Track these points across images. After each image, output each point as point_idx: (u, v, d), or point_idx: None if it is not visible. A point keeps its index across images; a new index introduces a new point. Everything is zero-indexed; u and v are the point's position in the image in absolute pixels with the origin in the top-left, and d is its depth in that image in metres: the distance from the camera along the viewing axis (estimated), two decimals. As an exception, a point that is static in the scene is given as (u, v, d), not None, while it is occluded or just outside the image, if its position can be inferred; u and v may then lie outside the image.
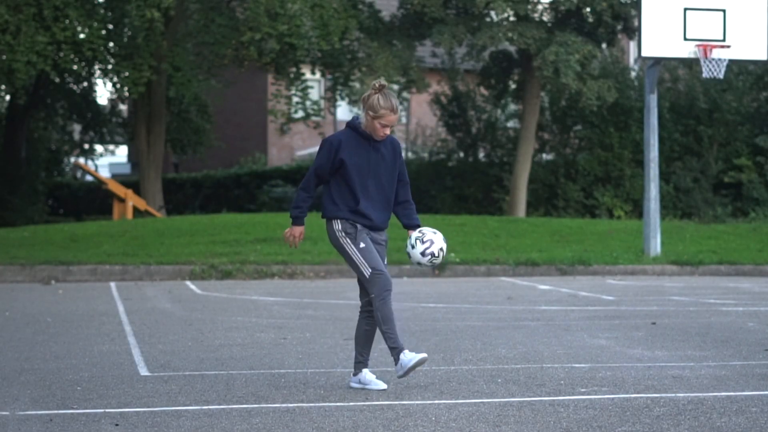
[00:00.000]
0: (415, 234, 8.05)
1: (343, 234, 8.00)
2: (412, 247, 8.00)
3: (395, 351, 8.00)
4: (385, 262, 8.12)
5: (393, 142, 8.14)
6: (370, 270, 7.94)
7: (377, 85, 7.94)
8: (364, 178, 7.98)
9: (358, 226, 7.98)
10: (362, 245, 7.96)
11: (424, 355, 7.99)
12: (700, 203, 30.34)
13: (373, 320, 8.04)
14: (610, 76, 30.17)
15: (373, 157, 8.01)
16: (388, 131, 7.99)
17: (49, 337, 11.27)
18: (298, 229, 8.06)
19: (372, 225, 8.03)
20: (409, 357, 7.95)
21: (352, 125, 8.04)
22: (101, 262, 19.17)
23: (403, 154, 37.22)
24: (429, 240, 7.99)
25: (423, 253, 7.98)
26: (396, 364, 8.03)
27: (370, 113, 7.92)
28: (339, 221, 8.01)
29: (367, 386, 8.06)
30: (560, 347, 10.27)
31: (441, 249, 8.00)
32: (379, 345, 8.59)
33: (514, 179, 30.25)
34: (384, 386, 8.06)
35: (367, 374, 8.12)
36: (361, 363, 8.14)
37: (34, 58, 25.89)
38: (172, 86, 29.21)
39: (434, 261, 8.02)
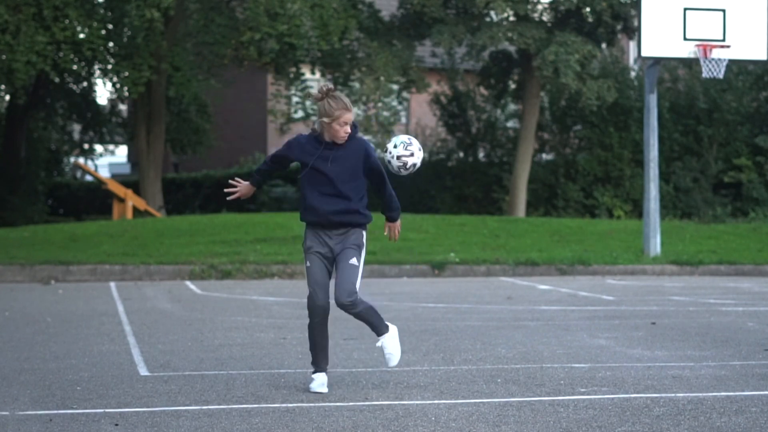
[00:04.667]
0: (402, 139, 8.09)
1: (304, 246, 8.10)
2: (395, 146, 8.05)
3: (312, 368, 8.10)
4: (352, 262, 7.99)
5: (358, 143, 8.05)
6: (309, 289, 8.04)
7: (324, 89, 7.95)
8: (316, 179, 7.97)
9: (310, 242, 8.00)
10: (307, 264, 8.05)
11: (324, 391, 7.97)
12: (699, 203, 30.35)
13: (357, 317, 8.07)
14: (610, 76, 30.19)
15: (325, 158, 7.96)
16: (348, 129, 7.95)
17: (49, 337, 11.26)
18: (244, 183, 8.47)
19: (317, 221, 8.00)
20: (315, 384, 8.01)
21: (312, 129, 8.13)
22: (101, 262, 19.17)
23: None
24: (411, 152, 8.05)
25: (399, 157, 8.02)
26: (312, 377, 8.12)
27: (326, 119, 7.91)
28: (304, 230, 8.12)
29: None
30: (560, 347, 10.27)
31: (414, 164, 8.08)
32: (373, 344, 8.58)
33: (514, 179, 30.26)
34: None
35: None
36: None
37: (34, 58, 25.89)
38: (172, 86, 29.21)
39: (402, 166, 8.06)
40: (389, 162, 8.08)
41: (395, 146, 8.06)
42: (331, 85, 7.99)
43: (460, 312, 13.59)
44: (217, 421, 7.03)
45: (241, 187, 8.44)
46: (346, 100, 7.96)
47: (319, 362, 8.08)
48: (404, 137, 8.11)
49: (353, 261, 7.99)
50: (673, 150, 30.87)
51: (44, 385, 8.34)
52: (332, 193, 7.98)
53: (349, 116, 7.94)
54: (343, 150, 8.00)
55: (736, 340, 10.72)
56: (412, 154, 8.04)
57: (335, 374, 8.77)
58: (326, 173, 7.97)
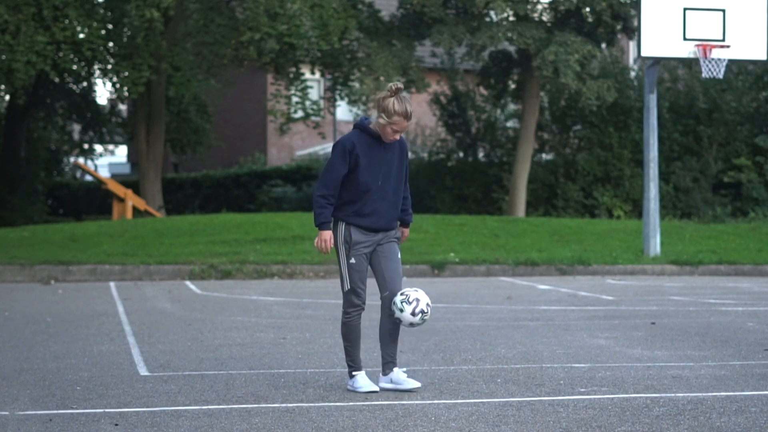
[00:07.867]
0: (398, 297, 7.93)
1: (343, 241, 7.98)
2: (401, 311, 7.88)
3: (350, 368, 8.08)
4: (399, 256, 8.11)
5: (401, 143, 8.06)
6: (349, 287, 7.98)
7: (393, 88, 7.82)
8: (375, 179, 7.91)
9: (358, 237, 7.93)
10: (352, 261, 7.96)
11: (376, 389, 7.96)
12: (699, 203, 30.35)
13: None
14: (610, 76, 30.18)
15: (383, 158, 7.93)
16: (398, 136, 7.92)
17: (49, 337, 11.27)
18: (327, 234, 7.91)
19: (378, 227, 7.99)
20: (360, 384, 7.99)
21: (361, 126, 7.95)
22: (101, 262, 19.17)
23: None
24: (414, 299, 7.90)
25: (413, 313, 7.88)
26: (349, 378, 8.09)
27: (383, 116, 7.82)
28: (343, 225, 7.97)
29: (399, 386, 8.00)
30: (560, 347, 10.28)
31: (427, 304, 7.92)
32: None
33: (514, 179, 30.26)
34: (417, 384, 8.01)
35: (398, 373, 8.06)
36: (389, 363, 8.06)
37: (34, 58, 25.89)
38: (172, 86, 29.20)
39: (425, 318, 7.93)
40: (412, 324, 7.91)
41: (401, 311, 7.88)
42: (401, 85, 7.88)
43: (460, 312, 13.59)
44: (217, 421, 7.03)
45: (327, 238, 7.95)
46: (409, 107, 7.83)
47: (359, 360, 8.06)
48: (398, 299, 7.93)
49: (399, 255, 8.14)
50: (672, 150, 30.87)
51: (44, 385, 8.35)
52: (392, 200, 8.02)
53: (405, 125, 7.86)
54: (392, 148, 8.00)
55: (736, 340, 10.72)
56: (417, 300, 7.89)
57: (335, 374, 8.78)
58: (387, 175, 7.97)
